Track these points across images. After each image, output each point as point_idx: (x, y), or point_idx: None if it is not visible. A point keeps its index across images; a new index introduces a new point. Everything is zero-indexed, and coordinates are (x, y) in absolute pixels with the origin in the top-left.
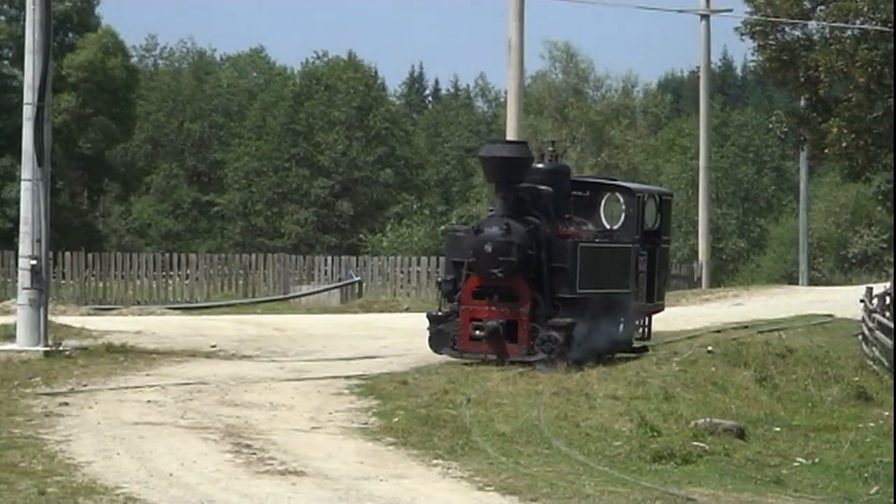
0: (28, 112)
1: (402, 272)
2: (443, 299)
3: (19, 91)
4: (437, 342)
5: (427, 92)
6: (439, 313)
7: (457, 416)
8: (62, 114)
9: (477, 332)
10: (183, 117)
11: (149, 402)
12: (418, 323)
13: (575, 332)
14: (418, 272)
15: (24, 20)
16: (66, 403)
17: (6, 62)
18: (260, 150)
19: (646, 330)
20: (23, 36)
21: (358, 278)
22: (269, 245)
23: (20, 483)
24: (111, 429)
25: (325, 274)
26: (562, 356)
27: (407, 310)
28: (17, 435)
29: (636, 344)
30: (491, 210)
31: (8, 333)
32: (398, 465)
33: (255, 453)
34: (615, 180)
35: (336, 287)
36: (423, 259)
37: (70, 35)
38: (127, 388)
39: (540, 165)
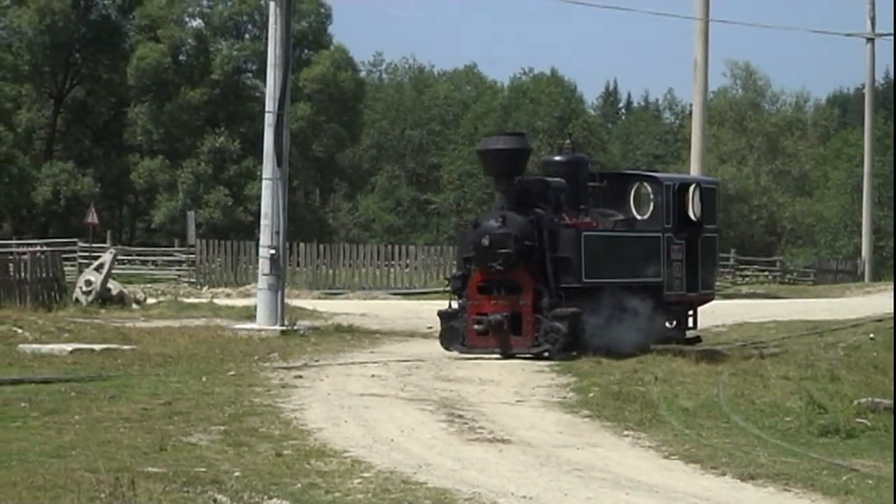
0: (269, 119)
1: None
2: (453, 296)
3: (261, 101)
4: (447, 338)
5: (620, 105)
6: (449, 310)
7: (645, 393)
8: (298, 121)
9: (476, 327)
10: (404, 125)
11: (373, 376)
12: None
13: (587, 322)
14: None
15: (267, 38)
16: (300, 376)
17: (250, 75)
18: (472, 155)
19: (690, 319)
20: (265, 52)
21: None
22: None
23: (260, 446)
24: (339, 399)
25: None
26: (567, 346)
27: None
28: (258, 403)
29: (689, 334)
30: None
31: (249, 314)
32: (593, 434)
33: (466, 423)
34: (652, 171)
35: None
36: None
37: (306, 51)
38: (353, 363)
39: (557, 158)
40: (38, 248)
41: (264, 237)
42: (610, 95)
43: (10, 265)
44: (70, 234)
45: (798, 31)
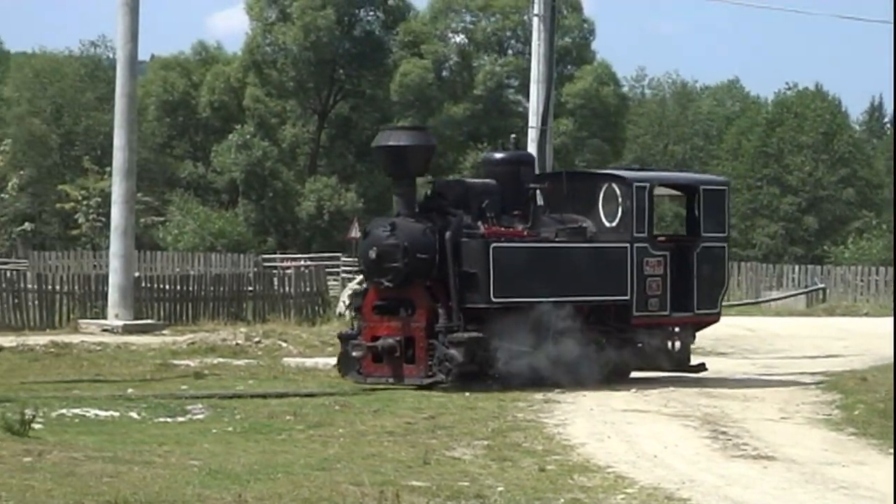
0: (532, 135)
1: (861, 280)
2: (355, 315)
3: (524, 116)
4: (344, 365)
5: (886, 120)
6: (349, 332)
7: None
8: (561, 136)
9: (354, 353)
10: (667, 140)
11: (635, 391)
12: (876, 326)
13: (500, 349)
14: (876, 281)
15: (530, 54)
16: (563, 391)
17: (512, 90)
18: (735, 170)
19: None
20: (528, 67)
21: (822, 285)
22: (742, 255)
23: (523, 461)
24: (602, 414)
25: (793, 281)
26: (463, 377)
27: (866, 314)
28: (521, 419)
29: (694, 362)
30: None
31: None
32: (858, 452)
33: (729, 439)
34: (629, 168)
35: (802, 293)
36: (882, 269)
37: (569, 67)
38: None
39: (496, 156)
40: (303, 262)
41: None
42: (875, 110)
43: (275, 279)
44: (333, 248)
45: None
